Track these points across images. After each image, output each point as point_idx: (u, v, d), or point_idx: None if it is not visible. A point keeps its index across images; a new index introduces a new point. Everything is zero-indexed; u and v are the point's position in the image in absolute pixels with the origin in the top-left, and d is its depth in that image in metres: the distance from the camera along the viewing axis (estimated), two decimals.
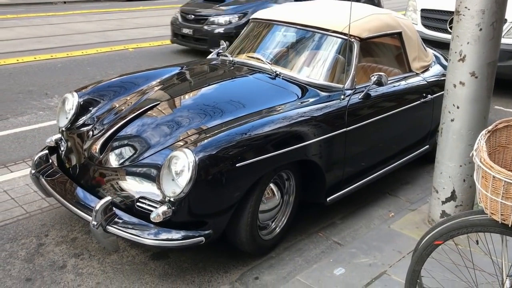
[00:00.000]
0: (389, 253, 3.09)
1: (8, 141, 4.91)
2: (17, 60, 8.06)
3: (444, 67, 4.50)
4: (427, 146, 4.35)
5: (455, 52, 2.92)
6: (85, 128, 3.47)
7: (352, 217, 3.74)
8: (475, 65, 2.87)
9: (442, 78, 4.28)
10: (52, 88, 6.75)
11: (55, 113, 5.71)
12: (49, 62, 8.10)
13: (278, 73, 3.67)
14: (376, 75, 3.48)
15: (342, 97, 3.43)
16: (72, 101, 3.58)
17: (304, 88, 3.54)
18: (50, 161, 3.35)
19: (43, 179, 3.22)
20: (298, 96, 3.45)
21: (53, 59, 8.30)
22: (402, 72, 4.08)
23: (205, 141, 2.82)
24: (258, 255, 3.20)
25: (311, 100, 3.39)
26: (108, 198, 2.79)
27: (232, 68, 3.94)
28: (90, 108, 3.61)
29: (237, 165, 2.78)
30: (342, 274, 2.87)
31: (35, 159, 3.30)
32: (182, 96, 3.55)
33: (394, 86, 3.85)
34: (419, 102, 4.01)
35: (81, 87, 3.80)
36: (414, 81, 4.07)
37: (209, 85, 3.65)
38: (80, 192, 3.03)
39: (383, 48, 4.20)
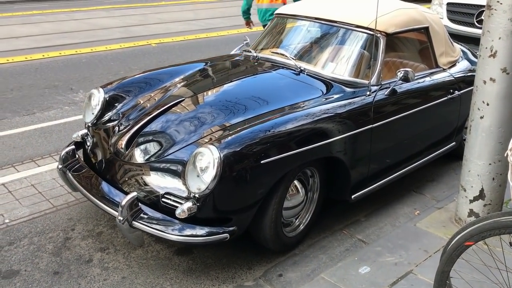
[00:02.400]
0: (415, 252, 3.05)
1: (35, 135, 4.99)
2: (43, 56, 8.17)
3: (472, 62, 4.41)
4: (454, 143, 4.27)
5: (486, 48, 2.85)
6: (111, 124, 3.50)
7: (377, 215, 3.70)
8: (506, 61, 2.79)
9: (470, 74, 4.20)
10: (77, 83, 6.83)
11: (80, 108, 5.79)
12: (74, 58, 8.19)
13: (302, 68, 3.64)
14: (402, 70, 3.42)
15: (368, 93, 3.39)
16: (98, 97, 3.61)
17: (329, 84, 3.51)
18: (77, 156, 3.39)
19: (69, 174, 3.26)
20: (323, 92, 3.42)
21: (77, 54, 8.38)
22: (428, 68, 4.01)
23: (230, 137, 2.82)
24: (281, 252, 3.19)
25: (336, 96, 3.36)
26: (134, 193, 2.81)
27: (255, 64, 3.92)
28: (116, 104, 3.64)
29: (261, 162, 2.78)
30: (368, 273, 2.84)
31: (62, 154, 3.34)
32: (205, 93, 3.55)
33: (421, 82, 3.78)
34: (446, 98, 3.93)
35: (106, 83, 3.83)
36: (441, 77, 4.00)
37: (232, 81, 3.64)
38: (105, 187, 3.06)
39: (409, 43, 4.13)
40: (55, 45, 8.99)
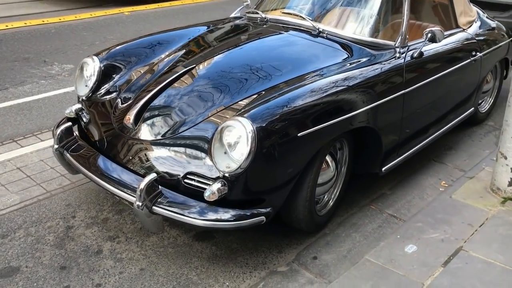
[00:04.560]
0: (459, 226, 2.83)
1: (12, 113, 4.49)
2: (6, 26, 7.49)
3: (485, 23, 4.18)
4: (472, 108, 4.06)
5: None
6: (110, 96, 3.09)
7: (402, 187, 3.47)
8: None
9: (488, 34, 3.98)
10: (50, 55, 6.26)
11: (58, 82, 5.29)
12: (41, 28, 7.54)
13: (321, 30, 3.29)
14: (429, 31, 3.13)
15: (398, 55, 3.10)
16: (93, 66, 3.18)
17: (353, 46, 3.18)
18: (75, 134, 2.97)
19: (68, 155, 2.86)
20: (348, 56, 3.10)
21: (44, 25, 7.72)
22: (448, 28, 3.74)
23: (261, 107, 2.47)
24: (313, 232, 2.92)
25: (363, 59, 3.05)
26: (153, 175, 2.44)
27: (265, 26, 3.55)
28: (113, 74, 3.22)
29: (298, 134, 2.46)
30: (415, 252, 2.60)
31: (57, 132, 2.91)
32: (215, 60, 3.15)
33: (445, 44, 3.51)
34: (468, 60, 3.69)
35: (100, 51, 3.39)
36: (463, 37, 3.75)
37: (244, 46, 3.27)
38: (114, 168, 2.67)
39: (428, 2, 3.84)
40: (19, 14, 8.28)
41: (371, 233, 2.96)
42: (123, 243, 2.82)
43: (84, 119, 3.10)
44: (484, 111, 4.44)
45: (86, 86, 3.20)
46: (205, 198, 2.36)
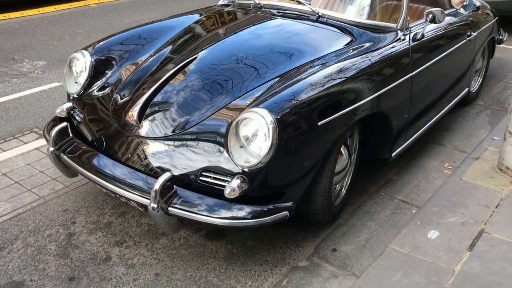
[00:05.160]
0: (476, 208, 2.80)
1: None
2: None
3: (472, 2, 4.18)
4: (467, 88, 4.06)
5: None
6: (105, 93, 2.90)
7: (407, 172, 3.42)
8: None
9: (477, 13, 3.98)
10: (18, 51, 5.92)
11: (32, 80, 4.99)
12: (3, 23, 7.14)
13: (320, 14, 3.19)
14: (430, 11, 3.08)
15: (402, 37, 3.03)
16: (84, 62, 2.98)
17: (355, 30, 3.09)
18: (71, 135, 2.77)
19: (66, 157, 2.66)
20: (352, 39, 3.00)
21: (6, 20, 7.32)
22: (443, 9, 3.69)
23: (276, 97, 2.35)
24: (329, 223, 2.83)
25: (369, 43, 2.96)
26: (167, 174, 2.28)
27: (260, 13, 3.41)
28: (105, 70, 3.03)
29: (318, 123, 2.35)
30: (439, 237, 2.55)
31: (52, 134, 2.70)
32: (216, 50, 2.98)
33: (443, 24, 3.46)
34: (465, 40, 3.67)
35: (88, 45, 3.18)
36: (458, 17, 3.72)
37: (244, 34, 3.12)
38: (120, 168, 2.49)
39: None
40: None
41: (386, 221, 2.90)
42: (132, 248, 2.66)
43: (78, 118, 2.90)
44: (474, 91, 4.46)
45: (76, 83, 3.01)
46: (226, 195, 2.22)
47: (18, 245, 2.67)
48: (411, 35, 3.11)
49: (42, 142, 3.66)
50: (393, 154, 3.06)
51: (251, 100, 2.48)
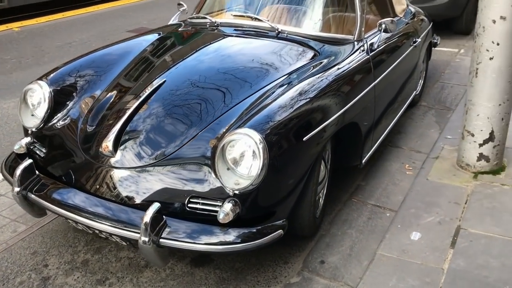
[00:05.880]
0: (448, 206, 2.94)
1: None
2: None
3: (410, 9, 4.41)
4: (415, 91, 4.27)
5: None
6: (67, 124, 2.75)
7: (373, 177, 3.53)
8: None
9: (417, 19, 4.22)
10: None
11: None
12: None
13: (280, 30, 3.22)
14: (382, 22, 3.23)
15: (361, 48, 3.13)
16: (42, 93, 2.81)
17: (316, 44, 3.15)
18: (37, 173, 2.59)
19: (35, 197, 2.48)
20: (315, 53, 3.06)
21: None
22: (389, 17, 3.87)
23: (258, 116, 2.35)
24: (312, 235, 2.85)
25: (333, 56, 3.03)
26: (156, 205, 2.19)
27: (215, 31, 3.39)
28: (64, 100, 2.87)
29: (303, 139, 2.37)
30: (421, 238, 2.65)
31: (17, 173, 2.50)
32: (183, 73, 2.90)
33: (393, 33, 3.63)
34: (412, 46, 3.86)
35: (42, 75, 3.00)
36: (404, 25, 3.91)
37: (209, 54, 3.08)
38: (102, 203, 2.36)
39: None
40: None
41: (364, 227, 2.96)
42: (116, 285, 2.53)
43: (41, 154, 2.72)
44: (417, 93, 4.69)
45: (33, 115, 2.84)
46: (220, 220, 2.18)
47: None
48: (368, 45, 3.23)
49: None
50: (363, 161, 3.14)
51: (229, 122, 2.46)
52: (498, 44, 2.85)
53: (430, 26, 4.63)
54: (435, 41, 4.91)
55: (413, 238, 2.66)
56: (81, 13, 9.04)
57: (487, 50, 2.90)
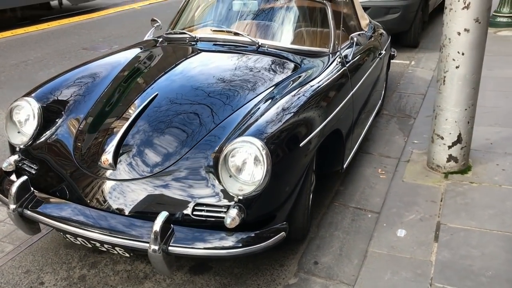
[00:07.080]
0: (426, 204, 3.15)
1: None
2: None
3: (371, 23, 4.69)
4: (380, 100, 4.52)
5: (458, 1, 3.02)
6: (58, 140, 2.75)
7: (350, 181, 3.71)
8: (479, 11, 3.01)
9: (378, 33, 4.50)
10: None
11: None
12: None
13: (260, 44, 3.37)
14: (354, 36, 3.46)
15: (337, 60, 3.32)
16: (30, 109, 2.79)
17: (295, 56, 3.32)
18: (32, 189, 2.56)
19: (33, 213, 2.46)
20: (296, 65, 3.23)
21: None
22: (355, 31, 4.11)
23: (257, 124, 2.46)
24: (303, 239, 2.98)
25: (314, 68, 3.20)
26: (164, 213, 2.24)
27: (194, 45, 3.49)
28: (53, 117, 2.87)
29: (300, 145, 2.51)
30: (407, 234, 2.84)
31: (13, 191, 2.47)
32: (179, 85, 2.98)
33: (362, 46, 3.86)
34: (378, 57, 4.12)
35: (28, 92, 2.98)
36: (369, 38, 4.15)
37: (194, 68, 3.18)
38: (105, 216, 2.38)
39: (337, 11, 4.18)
40: None
41: (350, 228, 3.12)
42: None
43: (31, 170, 2.70)
44: (380, 102, 4.97)
45: (19, 133, 2.82)
46: (227, 225, 2.26)
47: None
48: (343, 57, 3.43)
49: None
50: (344, 166, 3.31)
51: (226, 132, 2.56)
52: (463, 54, 3.12)
53: (389, 39, 4.93)
54: (392, 53, 5.22)
55: (399, 235, 2.84)
56: (32, 31, 8.84)
57: (454, 60, 3.16)
